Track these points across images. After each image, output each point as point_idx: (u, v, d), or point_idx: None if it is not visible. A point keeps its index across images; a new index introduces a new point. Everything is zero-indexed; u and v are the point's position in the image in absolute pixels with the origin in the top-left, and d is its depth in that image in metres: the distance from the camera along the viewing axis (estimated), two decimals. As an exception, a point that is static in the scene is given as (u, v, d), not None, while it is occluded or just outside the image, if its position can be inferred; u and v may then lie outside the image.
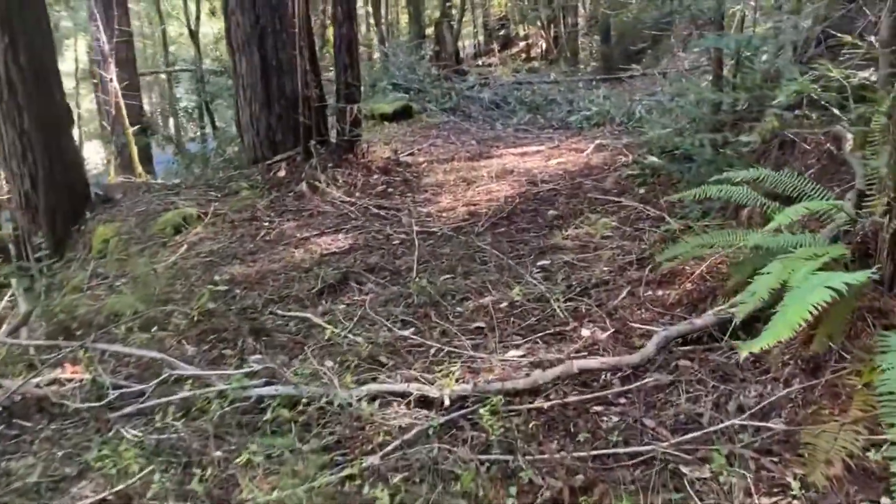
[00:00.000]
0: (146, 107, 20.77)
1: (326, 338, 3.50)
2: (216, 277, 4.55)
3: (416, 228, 5.23)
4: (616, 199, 5.48)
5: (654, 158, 5.19)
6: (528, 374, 3.03)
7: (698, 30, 6.31)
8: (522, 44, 26.82)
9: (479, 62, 25.48)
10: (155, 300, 3.95)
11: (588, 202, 5.53)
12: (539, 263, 4.42)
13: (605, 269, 4.15)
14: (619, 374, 2.95)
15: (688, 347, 3.09)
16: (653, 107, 11.25)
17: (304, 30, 6.07)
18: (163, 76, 16.56)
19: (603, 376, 2.96)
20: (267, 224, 5.49)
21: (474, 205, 5.77)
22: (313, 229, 5.34)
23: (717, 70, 6.56)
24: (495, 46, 27.40)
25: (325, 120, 6.52)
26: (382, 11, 23.04)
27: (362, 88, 11.88)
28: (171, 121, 14.78)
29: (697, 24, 6.12)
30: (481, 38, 28.51)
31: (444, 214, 5.57)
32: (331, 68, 8.54)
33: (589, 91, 12.60)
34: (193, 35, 12.30)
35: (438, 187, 6.37)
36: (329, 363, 3.31)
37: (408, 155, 7.95)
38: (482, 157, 7.86)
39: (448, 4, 21.87)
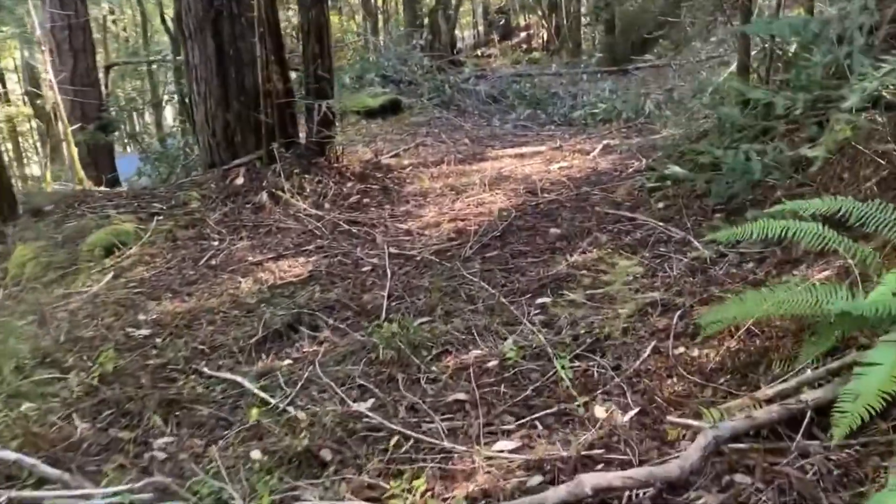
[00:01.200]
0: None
1: (256, 416, 2.64)
2: (140, 317, 3.70)
3: (391, 251, 4.37)
4: (630, 214, 4.62)
5: (676, 168, 4.33)
6: (522, 486, 2.18)
7: (724, 15, 5.43)
8: (523, 34, 25.92)
9: (479, 52, 24.55)
10: (44, 355, 3.10)
11: (597, 218, 4.66)
12: (538, 302, 3.56)
13: (622, 311, 3.28)
14: (650, 491, 2.09)
15: (743, 445, 2.23)
16: (661, 101, 10.40)
17: (265, 13, 5.18)
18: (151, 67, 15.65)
19: (627, 493, 2.11)
20: (216, 244, 4.63)
21: (462, 220, 4.91)
22: (269, 251, 4.48)
23: (743, 61, 5.69)
24: (495, 37, 26.48)
25: (293, 119, 5.66)
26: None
27: (348, 80, 11.02)
28: (148, 115, 13.87)
29: (724, 9, 5.23)
30: (481, 27, 27.57)
31: (426, 232, 4.71)
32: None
33: (593, 84, 11.71)
34: (166, 22, 11.39)
35: (422, 197, 5.50)
36: (256, 454, 2.46)
37: (391, 156, 7.08)
38: (475, 159, 7.00)
39: (446, -9, 20.91)
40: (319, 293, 3.80)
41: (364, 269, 4.14)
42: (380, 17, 21.67)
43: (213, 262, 4.35)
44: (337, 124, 5.77)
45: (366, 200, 5.33)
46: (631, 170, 5.68)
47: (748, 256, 3.74)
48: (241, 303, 3.75)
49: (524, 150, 7.41)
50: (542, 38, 23.32)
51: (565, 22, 20.37)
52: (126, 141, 9.84)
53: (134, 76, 14.07)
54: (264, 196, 5.13)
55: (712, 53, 12.31)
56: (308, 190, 5.27)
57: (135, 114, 18.51)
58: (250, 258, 4.37)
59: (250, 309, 3.67)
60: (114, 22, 20.20)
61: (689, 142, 5.37)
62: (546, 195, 5.34)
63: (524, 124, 9.75)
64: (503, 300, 3.57)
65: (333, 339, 3.30)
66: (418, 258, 4.23)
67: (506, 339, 3.16)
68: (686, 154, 5.21)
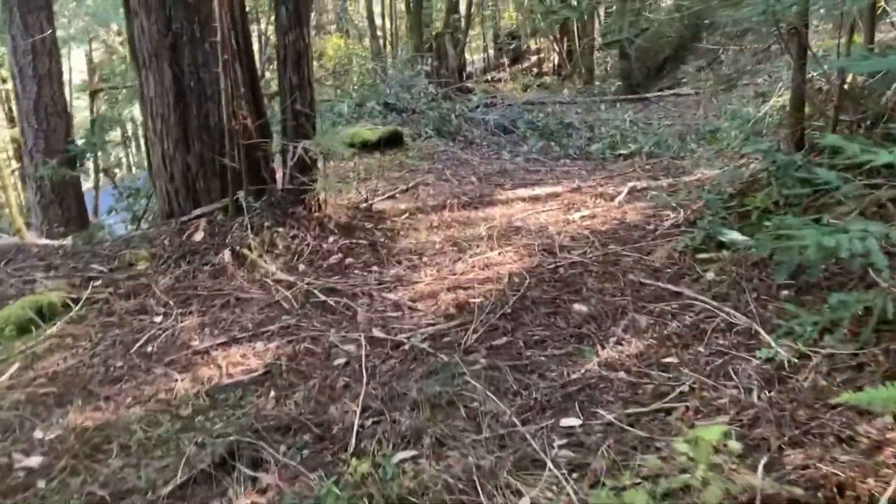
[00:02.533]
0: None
1: None
2: (37, 435, 2.81)
3: (374, 333, 3.47)
4: (673, 288, 3.71)
5: (734, 234, 3.43)
6: None
7: (781, 42, 4.56)
8: (534, 58, 25.32)
9: (489, 76, 23.96)
10: None
11: (632, 291, 3.75)
12: (564, 425, 2.64)
13: (680, 449, 2.37)
14: None
15: None
16: (685, 134, 9.57)
17: (231, 37, 4.35)
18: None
19: None
20: (158, 320, 3.75)
21: (465, 288, 4.01)
22: (222, 332, 3.59)
23: (800, 94, 4.82)
24: (505, 60, 25.91)
25: (266, 161, 4.80)
26: (386, 22, 21.48)
27: (346, 109, 10.21)
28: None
29: (783, 36, 4.36)
30: (491, 51, 26.94)
31: (419, 307, 3.80)
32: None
33: (611, 114, 10.86)
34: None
35: (418, 255, 4.61)
36: None
37: (386, 198, 6.21)
38: (483, 202, 6.12)
39: (455, 16, 20.30)
40: (273, 403, 2.89)
41: (337, 361, 3.23)
42: (387, 41, 21.04)
43: (150, 347, 3.46)
44: (319, 166, 4.90)
45: (349, 261, 4.44)
46: (668, 223, 4.77)
47: (840, 361, 2.83)
48: (171, 416, 2.84)
49: (538, 190, 6.54)
50: (554, 62, 22.62)
51: (578, 46, 19.69)
52: (98, 174, 9.03)
53: (124, 102, 13.33)
54: (226, 255, 4.26)
55: (745, 82, 11.48)
56: (280, 247, 4.40)
57: (131, 143, 17.78)
58: (196, 342, 3.47)
59: (181, 426, 2.77)
60: (121, 44, 19.54)
61: (739, 193, 4.47)
62: (566, 255, 4.44)
63: (536, 158, 8.89)
64: (516, 422, 2.65)
65: (280, 485, 2.39)
66: (407, 346, 3.33)
67: (521, 495, 2.25)
68: (736, 209, 4.31)
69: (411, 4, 17.87)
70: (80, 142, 7.89)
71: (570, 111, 11.90)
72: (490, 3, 25.37)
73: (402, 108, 10.17)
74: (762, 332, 3.12)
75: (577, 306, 3.65)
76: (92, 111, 11.66)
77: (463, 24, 19.93)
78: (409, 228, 5.14)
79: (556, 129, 9.91)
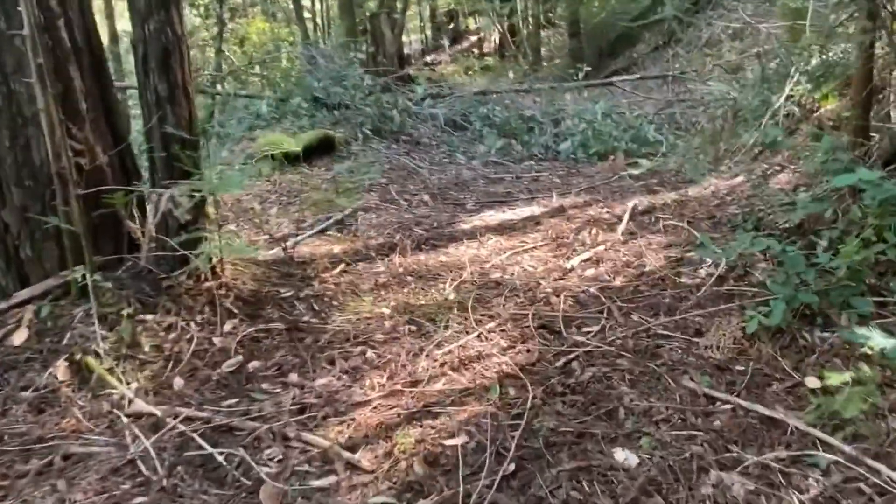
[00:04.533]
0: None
1: None
2: None
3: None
4: (762, 409, 2.36)
5: (878, 337, 2.09)
6: None
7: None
8: (474, 38, 23.96)
9: (428, 59, 22.50)
10: None
11: (701, 419, 2.38)
12: None
13: None
14: None
15: None
16: (664, 124, 8.37)
17: (42, 25, 2.78)
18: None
19: None
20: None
21: (435, 414, 2.57)
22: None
23: (864, 83, 3.61)
24: (445, 42, 24.43)
25: (131, 215, 3.24)
26: (315, 2, 19.65)
27: (265, 108, 8.57)
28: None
29: None
30: (428, 32, 25.39)
31: (363, 462, 2.33)
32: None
33: (578, 103, 9.50)
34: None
35: (360, 346, 3.12)
36: None
37: (313, 235, 4.71)
38: (443, 236, 4.67)
39: (389, -6, 18.64)
40: None
41: None
42: (316, 24, 19.24)
43: None
44: (209, 213, 3.37)
45: (254, 365, 2.94)
46: (705, 273, 3.42)
47: None
48: None
49: (510, 214, 5.14)
50: (495, 42, 21.26)
51: (521, 25, 18.38)
52: None
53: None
54: (60, 370, 2.72)
55: (717, 62, 10.30)
56: (147, 349, 2.87)
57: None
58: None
59: None
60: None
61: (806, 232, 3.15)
62: (577, 336, 3.05)
63: (497, 161, 7.50)
64: None
65: None
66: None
67: None
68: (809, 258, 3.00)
69: (341, -18, 16.14)
70: None
71: (527, 100, 10.51)
72: (427, -20, 23.76)
73: (333, 104, 8.58)
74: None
75: (620, 454, 2.25)
76: None
77: (399, 3, 18.32)
78: (345, 292, 3.66)
79: (517, 124, 8.50)
